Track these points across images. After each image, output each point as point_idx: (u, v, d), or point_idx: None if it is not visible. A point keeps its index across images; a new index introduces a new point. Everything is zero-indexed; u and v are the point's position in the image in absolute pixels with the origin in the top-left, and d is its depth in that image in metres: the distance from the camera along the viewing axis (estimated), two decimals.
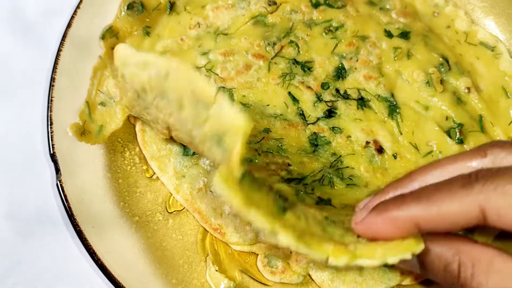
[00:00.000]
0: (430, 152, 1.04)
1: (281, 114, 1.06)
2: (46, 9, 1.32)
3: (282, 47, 1.12)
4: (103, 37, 1.12)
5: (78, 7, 1.13)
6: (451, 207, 0.65)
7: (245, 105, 1.06)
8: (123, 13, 1.14)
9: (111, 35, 1.12)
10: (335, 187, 0.98)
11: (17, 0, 1.33)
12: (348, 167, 1.02)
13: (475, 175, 0.66)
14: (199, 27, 1.17)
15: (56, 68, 1.07)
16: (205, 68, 1.10)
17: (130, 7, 1.15)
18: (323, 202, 0.95)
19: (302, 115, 1.06)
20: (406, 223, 0.67)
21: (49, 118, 1.03)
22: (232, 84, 1.08)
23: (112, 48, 1.12)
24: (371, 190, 1.00)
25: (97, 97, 1.10)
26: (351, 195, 0.98)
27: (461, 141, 1.05)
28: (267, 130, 1.04)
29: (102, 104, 1.09)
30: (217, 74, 1.09)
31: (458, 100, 1.09)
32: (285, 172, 0.99)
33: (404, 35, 1.14)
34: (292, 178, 0.99)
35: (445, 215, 0.65)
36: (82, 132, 1.05)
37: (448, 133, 1.06)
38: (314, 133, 1.04)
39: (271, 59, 1.11)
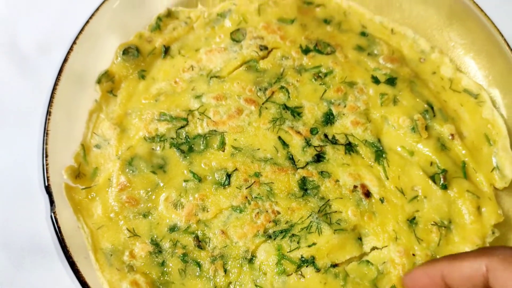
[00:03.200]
0: (416, 197, 1.07)
1: (271, 158, 1.09)
2: (42, 43, 1.35)
3: (273, 93, 1.15)
4: (99, 81, 1.15)
5: (74, 42, 1.16)
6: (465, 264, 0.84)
7: (236, 149, 1.09)
8: (119, 58, 1.18)
9: (107, 79, 1.16)
10: (323, 234, 1.01)
11: (14, 34, 1.36)
12: (336, 211, 1.05)
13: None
14: (192, 69, 1.20)
15: (52, 102, 1.10)
16: (198, 112, 1.13)
17: (125, 52, 1.18)
18: (305, 264, 0.99)
19: (291, 159, 1.09)
20: (435, 273, 0.87)
21: (44, 151, 1.06)
22: (224, 128, 1.11)
23: (108, 92, 1.16)
24: (358, 233, 1.03)
25: (92, 139, 1.13)
26: (337, 243, 1.01)
27: (445, 187, 1.08)
28: (258, 174, 1.07)
29: (97, 146, 1.12)
30: (210, 118, 1.13)
31: (442, 146, 1.12)
32: (272, 224, 1.02)
33: (391, 81, 1.18)
34: (279, 231, 1.02)
35: (461, 269, 0.84)
36: (77, 175, 1.08)
37: (433, 178, 1.09)
38: (303, 177, 1.07)
39: (262, 104, 1.14)
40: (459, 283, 0.85)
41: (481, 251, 0.85)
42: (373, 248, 1.02)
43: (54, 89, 1.11)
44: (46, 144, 1.07)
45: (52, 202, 1.03)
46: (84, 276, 0.96)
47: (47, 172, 1.04)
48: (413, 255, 1.01)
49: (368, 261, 1.01)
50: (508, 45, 1.16)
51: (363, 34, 1.28)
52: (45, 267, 1.13)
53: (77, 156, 1.10)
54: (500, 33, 1.18)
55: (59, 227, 1.00)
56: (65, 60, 1.14)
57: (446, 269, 0.87)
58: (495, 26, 1.18)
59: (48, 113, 1.09)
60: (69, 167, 1.07)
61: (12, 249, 1.14)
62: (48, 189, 1.03)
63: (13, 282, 1.11)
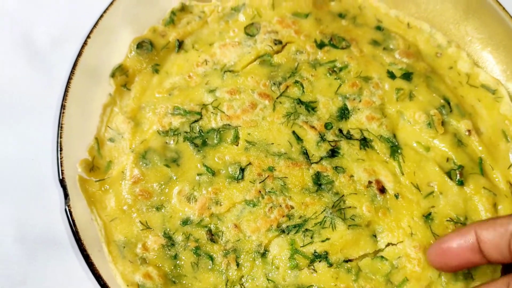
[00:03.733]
0: (431, 193, 1.06)
1: (285, 153, 1.08)
2: (57, 37, 1.35)
3: (287, 87, 1.15)
4: (113, 75, 1.15)
5: (88, 36, 1.16)
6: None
7: (250, 143, 1.09)
8: (133, 52, 1.18)
9: (121, 73, 1.16)
10: (336, 229, 1.00)
11: (28, 28, 1.36)
12: (350, 207, 1.04)
13: None
14: (206, 64, 1.20)
15: (66, 96, 1.11)
16: (212, 106, 1.13)
17: (139, 46, 1.18)
18: (318, 259, 0.98)
19: (305, 154, 1.08)
20: (469, 231, 0.89)
21: (59, 144, 1.07)
22: (237, 122, 1.11)
23: (122, 86, 1.16)
24: (373, 229, 1.02)
25: (106, 133, 1.13)
26: (351, 238, 1.00)
27: (461, 183, 1.07)
28: (272, 169, 1.06)
29: (111, 140, 1.12)
30: (224, 112, 1.12)
31: (459, 142, 1.11)
32: (286, 218, 1.02)
33: (407, 76, 1.17)
34: (293, 226, 1.01)
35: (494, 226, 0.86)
36: (91, 168, 1.08)
37: (449, 174, 1.08)
38: (318, 172, 1.07)
39: (276, 98, 1.13)
40: (491, 241, 0.84)
41: None
42: (388, 244, 1.01)
43: (68, 83, 1.12)
44: (61, 137, 1.07)
45: (66, 195, 1.03)
46: (98, 269, 0.97)
47: (61, 166, 1.05)
48: None
49: (382, 257, 1.00)
50: None
51: (378, 28, 1.27)
52: (58, 259, 1.13)
53: (91, 149, 1.10)
54: None
55: (73, 220, 1.01)
56: (79, 54, 1.15)
57: (479, 227, 0.87)
58: None
59: (63, 106, 1.10)
60: (83, 160, 1.07)
61: (26, 241, 1.14)
62: (62, 182, 1.04)
63: (27, 274, 1.11)
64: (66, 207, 1.01)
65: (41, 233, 1.15)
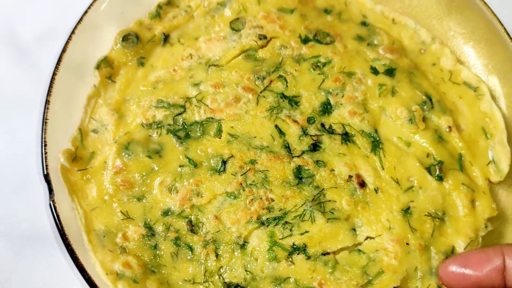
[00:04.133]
0: (411, 188, 1.07)
1: (267, 146, 1.09)
2: (41, 33, 1.36)
3: (271, 81, 1.15)
4: (98, 67, 1.16)
5: (73, 32, 1.16)
6: None
7: (233, 136, 1.09)
8: (118, 45, 1.18)
9: (106, 65, 1.16)
10: (316, 222, 1.01)
11: (12, 24, 1.37)
12: (330, 200, 1.05)
13: None
14: (191, 58, 1.20)
15: (51, 91, 1.11)
16: (196, 99, 1.14)
17: (125, 39, 1.19)
18: (296, 251, 0.99)
19: (287, 148, 1.09)
20: (496, 251, 0.90)
21: (43, 140, 1.07)
22: (221, 116, 1.12)
23: (107, 78, 1.16)
24: (352, 223, 1.03)
25: (90, 124, 1.13)
26: (330, 231, 1.00)
27: (440, 178, 1.08)
28: (253, 162, 1.07)
29: (95, 131, 1.13)
30: (207, 105, 1.13)
31: (439, 138, 1.12)
32: (266, 211, 1.02)
33: (390, 72, 1.17)
34: (273, 218, 1.02)
35: None
36: (74, 158, 1.08)
37: (429, 169, 1.09)
38: (299, 166, 1.07)
39: (260, 92, 1.14)
40: None
41: None
42: (367, 238, 1.02)
43: (52, 78, 1.12)
44: (45, 133, 1.08)
45: (51, 190, 1.03)
46: (82, 263, 0.97)
47: (46, 161, 1.05)
48: (407, 244, 1.01)
49: (360, 250, 1.01)
50: (508, 33, 1.15)
51: (363, 24, 1.27)
52: (45, 255, 1.14)
53: (74, 139, 1.10)
54: (500, 21, 1.17)
55: (57, 215, 1.01)
56: (64, 50, 1.14)
57: (508, 249, 0.88)
58: (495, 15, 1.17)
59: (47, 102, 1.10)
60: (66, 150, 1.08)
61: (12, 237, 1.15)
62: (47, 178, 1.04)
63: (13, 270, 1.12)
64: (51, 202, 1.02)
65: (28, 229, 1.16)
